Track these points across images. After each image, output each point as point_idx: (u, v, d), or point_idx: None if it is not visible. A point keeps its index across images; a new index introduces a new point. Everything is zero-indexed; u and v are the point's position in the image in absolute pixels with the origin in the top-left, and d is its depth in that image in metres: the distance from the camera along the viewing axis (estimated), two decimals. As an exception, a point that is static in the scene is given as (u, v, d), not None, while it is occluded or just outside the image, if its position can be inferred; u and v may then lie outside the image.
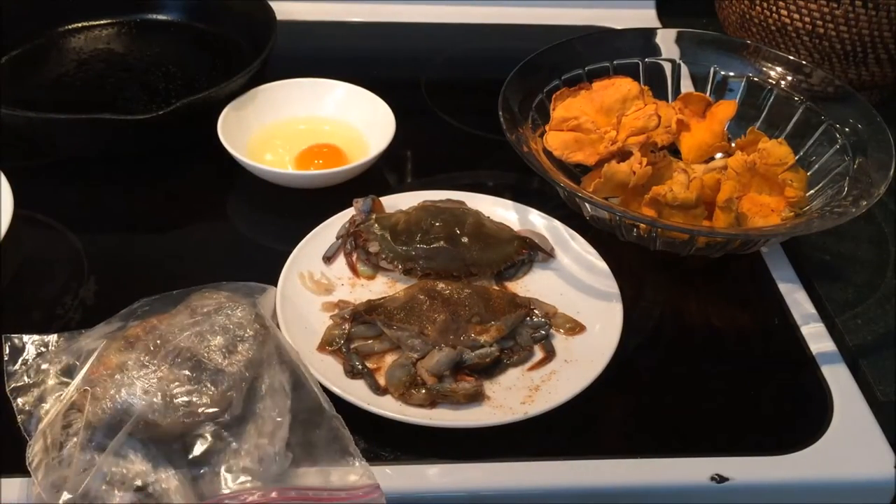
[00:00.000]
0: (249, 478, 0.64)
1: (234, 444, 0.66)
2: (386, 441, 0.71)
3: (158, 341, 0.69)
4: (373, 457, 0.70)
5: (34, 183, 0.91)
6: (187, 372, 0.67)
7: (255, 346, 0.70)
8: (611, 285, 0.83)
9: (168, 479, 0.64)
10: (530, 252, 0.87)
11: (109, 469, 0.63)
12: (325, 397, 0.70)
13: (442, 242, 0.85)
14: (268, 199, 0.95)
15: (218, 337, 0.70)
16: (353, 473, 0.66)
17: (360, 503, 0.65)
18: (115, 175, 0.97)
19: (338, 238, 0.87)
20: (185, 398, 0.66)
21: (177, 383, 0.66)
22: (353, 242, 0.87)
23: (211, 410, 0.66)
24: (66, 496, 0.62)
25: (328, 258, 0.86)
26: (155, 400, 0.65)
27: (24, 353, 0.72)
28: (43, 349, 0.72)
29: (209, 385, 0.67)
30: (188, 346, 0.69)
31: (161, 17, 1.17)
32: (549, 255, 0.88)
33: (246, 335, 0.70)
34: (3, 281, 0.84)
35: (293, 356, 0.72)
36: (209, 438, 0.66)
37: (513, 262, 0.86)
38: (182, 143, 0.98)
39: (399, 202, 0.91)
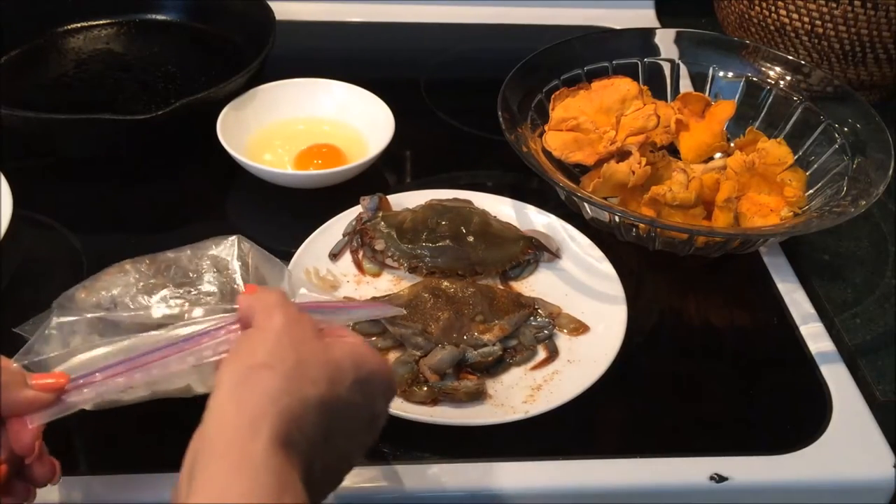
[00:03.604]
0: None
1: None
2: (386, 438, 0.71)
3: (157, 258, 0.75)
4: (372, 455, 0.70)
5: (34, 183, 0.91)
6: (174, 281, 0.73)
7: (240, 270, 0.74)
8: (615, 287, 0.83)
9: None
10: (536, 252, 0.88)
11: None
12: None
13: (448, 241, 0.85)
14: (267, 200, 0.95)
15: (208, 260, 0.75)
16: None
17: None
18: (114, 175, 0.97)
19: (344, 235, 0.87)
20: (164, 298, 0.72)
21: (161, 288, 0.72)
22: (359, 240, 0.87)
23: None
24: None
25: (334, 255, 0.86)
26: (139, 301, 0.71)
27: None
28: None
29: (192, 294, 0.72)
30: (182, 264, 0.75)
31: (160, 17, 1.17)
32: (555, 255, 0.88)
33: (233, 261, 0.75)
34: (3, 281, 0.84)
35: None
36: None
37: (518, 261, 0.86)
38: (181, 143, 0.98)
39: (406, 201, 0.91)
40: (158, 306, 0.71)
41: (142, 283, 0.73)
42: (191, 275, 0.74)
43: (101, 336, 0.69)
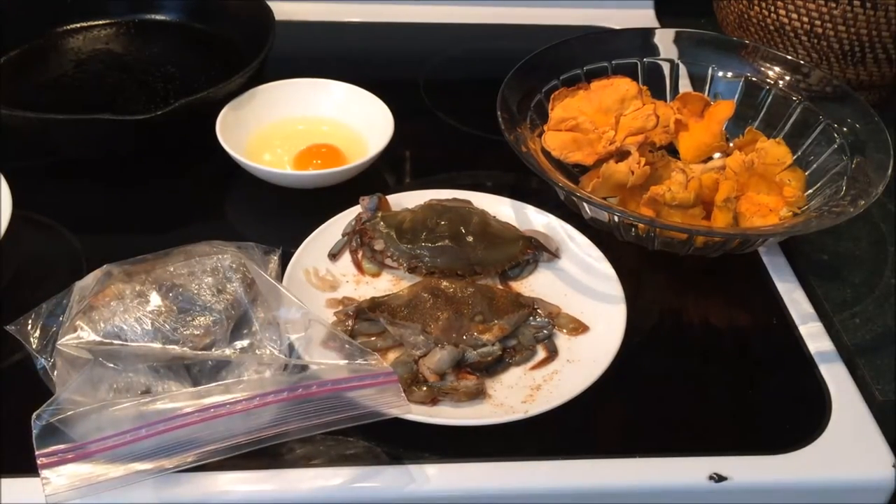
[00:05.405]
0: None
1: (236, 370, 0.71)
2: (386, 439, 0.72)
3: (154, 276, 0.75)
4: (372, 455, 0.70)
5: (34, 183, 0.91)
6: (177, 305, 0.73)
7: (241, 288, 0.75)
8: (615, 287, 0.83)
9: (172, 386, 0.69)
10: (535, 252, 0.88)
11: (114, 380, 0.69)
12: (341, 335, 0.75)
13: (447, 241, 0.85)
14: (266, 200, 0.95)
15: (208, 277, 0.75)
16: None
17: (381, 388, 0.68)
18: (114, 175, 0.97)
19: (343, 235, 0.88)
20: (172, 329, 0.71)
21: (166, 315, 0.72)
22: (358, 240, 0.87)
23: (194, 342, 0.71)
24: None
25: (334, 255, 0.86)
26: (145, 328, 0.71)
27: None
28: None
29: (198, 319, 0.72)
30: (181, 283, 0.74)
31: (160, 17, 1.17)
32: (555, 255, 0.88)
33: (234, 277, 0.76)
34: (3, 281, 0.84)
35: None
36: (210, 365, 0.72)
37: (517, 261, 0.86)
38: (181, 143, 0.98)
39: (405, 201, 0.91)
40: (164, 336, 0.71)
41: (140, 312, 0.72)
42: (192, 295, 0.74)
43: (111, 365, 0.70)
